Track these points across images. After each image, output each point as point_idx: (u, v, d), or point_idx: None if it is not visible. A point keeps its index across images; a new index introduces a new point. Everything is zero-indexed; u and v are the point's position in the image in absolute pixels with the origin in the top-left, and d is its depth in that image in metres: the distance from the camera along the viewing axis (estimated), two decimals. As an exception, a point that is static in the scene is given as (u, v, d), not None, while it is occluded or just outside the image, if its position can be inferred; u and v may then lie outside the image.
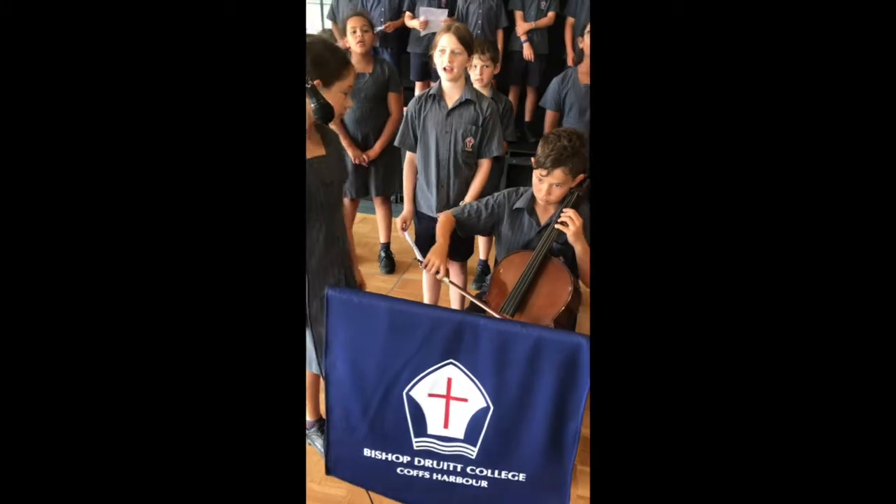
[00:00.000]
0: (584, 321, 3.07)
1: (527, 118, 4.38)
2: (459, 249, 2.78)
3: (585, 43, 3.22)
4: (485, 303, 2.10)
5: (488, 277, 2.50)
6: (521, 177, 4.18)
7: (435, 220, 2.56)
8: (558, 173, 2.06)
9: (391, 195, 3.50)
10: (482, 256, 3.57)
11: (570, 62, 4.11)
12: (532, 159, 2.18)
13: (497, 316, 2.07)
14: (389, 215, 3.51)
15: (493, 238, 2.45)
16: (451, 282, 2.15)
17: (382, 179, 3.28)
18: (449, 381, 1.32)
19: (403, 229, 2.74)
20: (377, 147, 3.16)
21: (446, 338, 1.28)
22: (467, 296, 2.17)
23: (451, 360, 1.30)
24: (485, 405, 1.31)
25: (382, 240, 3.61)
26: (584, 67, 3.24)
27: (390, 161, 3.25)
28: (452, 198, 2.67)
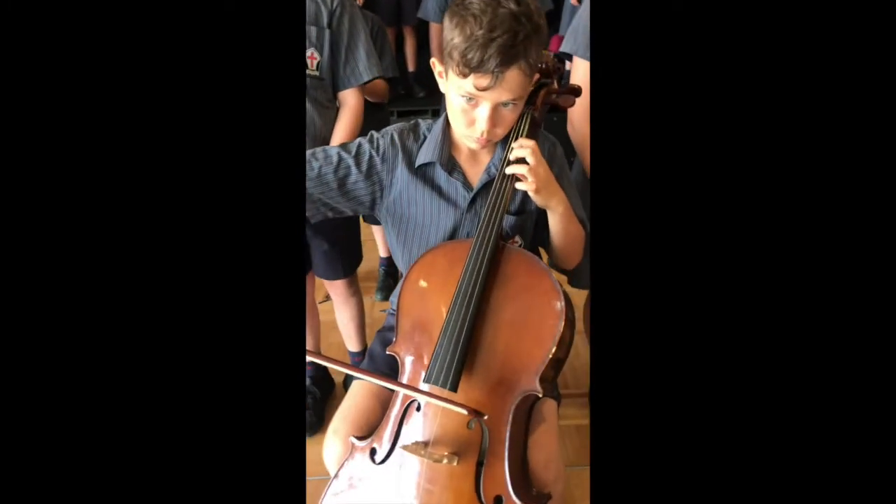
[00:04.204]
0: (583, 359, 1.71)
1: (410, 67, 3.30)
2: (344, 256, 1.66)
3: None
4: (391, 358, 0.99)
5: (394, 296, 1.33)
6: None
7: None
8: (513, 77, 0.97)
9: None
10: (382, 253, 2.43)
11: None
12: (432, 62, 1.08)
13: (425, 394, 0.97)
14: None
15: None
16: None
17: None
18: None
19: None
20: None
21: None
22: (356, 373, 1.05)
23: None
24: None
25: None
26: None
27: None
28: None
